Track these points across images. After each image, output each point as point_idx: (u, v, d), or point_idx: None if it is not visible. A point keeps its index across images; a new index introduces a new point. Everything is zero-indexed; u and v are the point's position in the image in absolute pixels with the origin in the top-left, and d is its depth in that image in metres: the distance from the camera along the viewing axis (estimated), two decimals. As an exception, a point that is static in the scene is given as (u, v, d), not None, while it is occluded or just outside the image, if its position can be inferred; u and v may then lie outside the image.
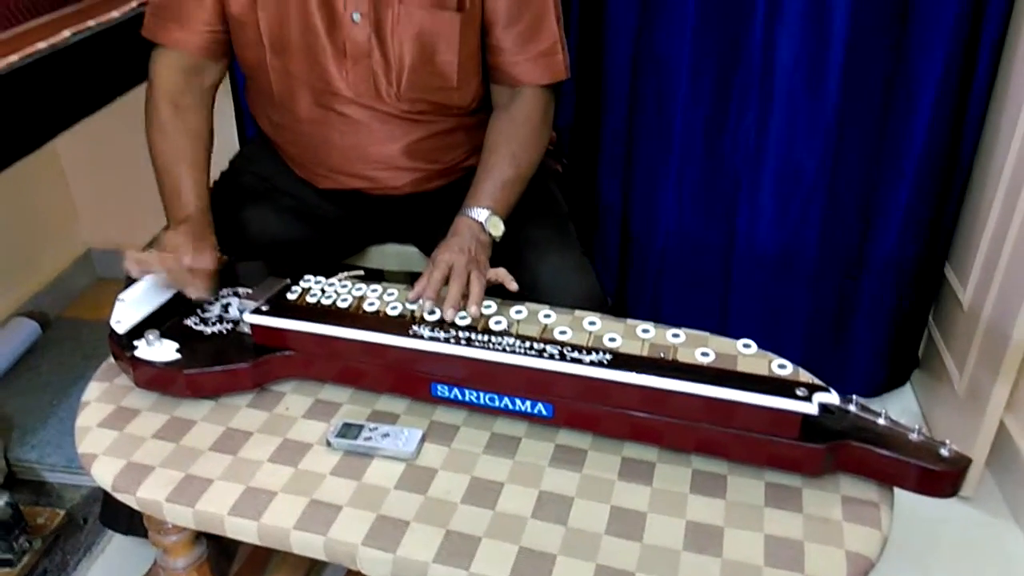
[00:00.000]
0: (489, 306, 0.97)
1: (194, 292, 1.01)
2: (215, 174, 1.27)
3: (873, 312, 1.66)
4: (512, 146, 1.15)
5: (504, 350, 0.87)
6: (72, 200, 2.12)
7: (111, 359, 1.02)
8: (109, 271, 2.18)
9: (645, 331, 0.94)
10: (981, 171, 1.53)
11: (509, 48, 1.15)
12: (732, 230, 1.64)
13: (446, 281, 0.98)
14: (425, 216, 1.27)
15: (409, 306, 0.98)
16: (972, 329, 1.47)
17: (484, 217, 1.08)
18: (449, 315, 0.93)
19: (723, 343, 0.98)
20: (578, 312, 1.05)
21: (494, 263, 1.05)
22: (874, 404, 0.82)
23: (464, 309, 0.95)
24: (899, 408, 1.74)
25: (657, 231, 1.69)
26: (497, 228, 1.09)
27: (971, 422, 1.44)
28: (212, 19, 1.13)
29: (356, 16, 1.10)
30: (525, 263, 1.13)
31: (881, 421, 0.79)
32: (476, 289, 0.97)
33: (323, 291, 1.01)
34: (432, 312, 0.95)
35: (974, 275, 1.49)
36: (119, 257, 2.11)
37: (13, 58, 1.11)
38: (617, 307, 1.80)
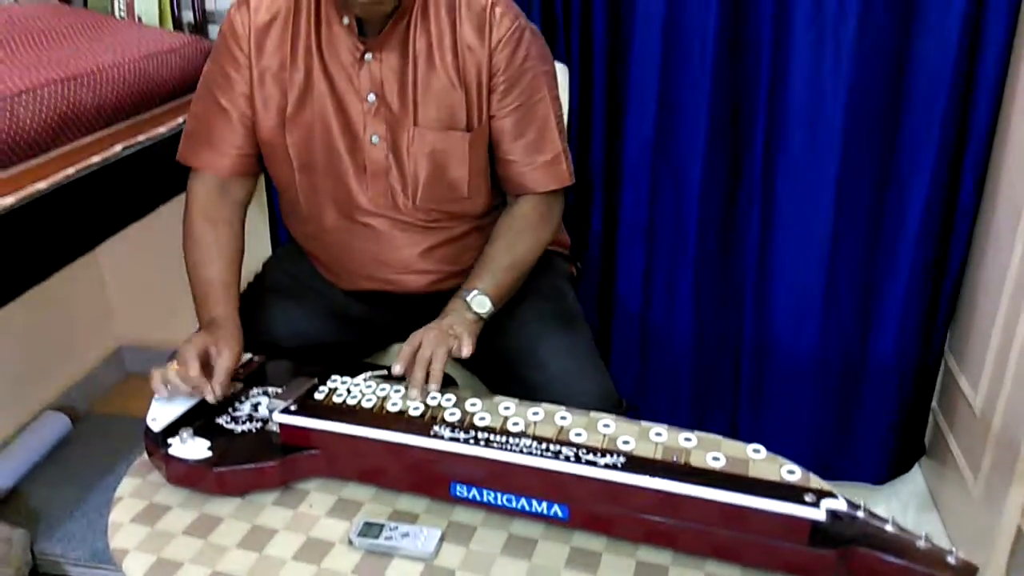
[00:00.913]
0: (508, 408, 1.01)
1: (210, 397, 1.06)
2: (250, 275, 1.34)
3: (877, 404, 1.72)
4: (509, 237, 1.23)
5: (521, 451, 0.90)
6: (107, 297, 2.20)
7: (144, 455, 1.05)
8: (139, 367, 2.24)
9: (658, 434, 0.97)
10: (973, 273, 1.61)
11: (517, 160, 1.23)
12: (741, 328, 1.73)
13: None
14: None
15: (431, 404, 1.01)
16: (985, 433, 1.48)
17: (471, 296, 1.15)
18: (412, 395, 1.01)
19: (734, 447, 1.00)
20: (593, 414, 1.07)
21: (511, 369, 1.09)
22: (883, 491, 0.84)
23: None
24: (909, 492, 1.76)
25: (673, 331, 1.76)
26: (483, 306, 1.15)
27: (987, 524, 1.44)
28: (242, 142, 1.22)
29: (375, 138, 1.19)
30: (540, 364, 1.17)
31: (889, 528, 0.81)
32: (435, 366, 1.04)
33: (348, 391, 1.06)
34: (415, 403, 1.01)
35: (984, 382, 1.52)
36: (150, 354, 2.19)
37: (70, 171, 1.20)
38: (637, 400, 1.85)
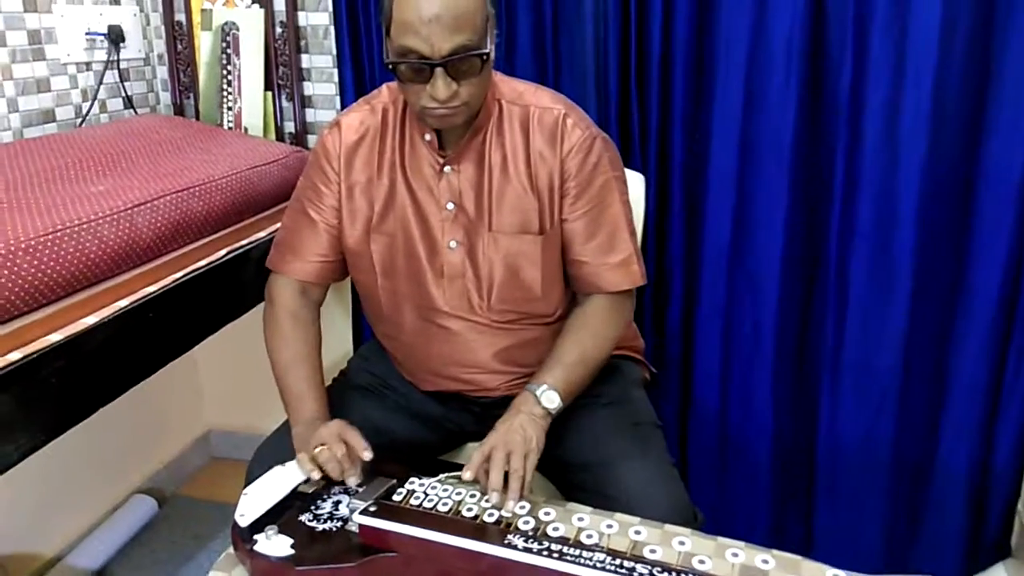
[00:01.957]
0: (582, 519, 1.01)
1: (354, 479, 1.11)
2: (334, 370, 1.41)
3: (952, 503, 1.68)
4: (579, 333, 1.25)
5: (595, 567, 0.90)
6: (199, 382, 2.30)
7: (231, 549, 1.09)
8: (224, 451, 2.32)
9: (735, 554, 0.96)
10: None
11: (589, 261, 1.26)
12: (815, 429, 1.72)
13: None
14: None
15: (506, 513, 1.03)
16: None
17: (541, 390, 1.16)
18: (494, 502, 1.02)
19: (813, 569, 0.98)
20: (668, 527, 1.06)
21: (583, 478, 1.10)
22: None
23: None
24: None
25: (750, 432, 1.75)
26: (552, 401, 1.16)
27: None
28: (326, 251, 1.30)
29: (453, 243, 1.25)
30: (612, 473, 1.18)
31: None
32: (514, 483, 1.04)
33: (425, 493, 1.09)
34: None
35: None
36: (236, 438, 2.27)
37: (178, 274, 1.29)
38: (715, 498, 1.82)
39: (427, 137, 1.23)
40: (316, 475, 1.11)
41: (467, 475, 1.08)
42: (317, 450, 1.12)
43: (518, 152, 1.23)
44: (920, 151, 1.51)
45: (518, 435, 1.11)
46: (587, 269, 1.26)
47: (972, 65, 1.47)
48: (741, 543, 0.98)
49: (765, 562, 0.93)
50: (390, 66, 1.10)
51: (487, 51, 1.09)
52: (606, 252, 1.25)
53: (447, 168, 1.23)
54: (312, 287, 1.33)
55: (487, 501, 1.04)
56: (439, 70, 1.07)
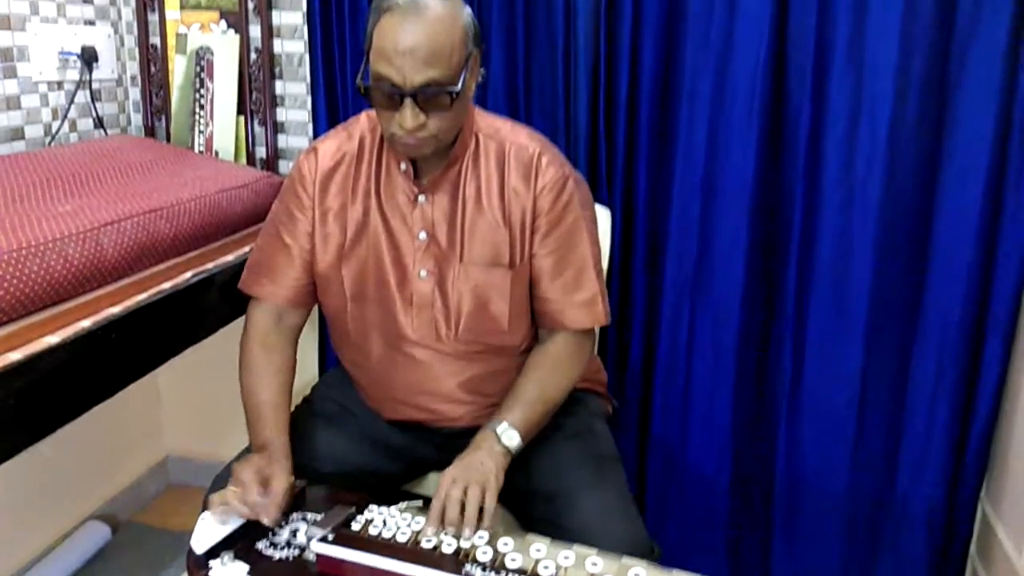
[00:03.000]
0: (539, 550, 1.02)
1: (266, 519, 1.09)
2: (298, 396, 1.40)
3: (908, 545, 1.71)
4: (540, 372, 1.26)
5: (550, 596, 0.91)
6: (158, 407, 2.27)
7: (185, 574, 1.08)
8: (182, 478, 2.28)
9: (688, 586, 0.97)
10: (1007, 420, 1.60)
11: (554, 298, 1.28)
12: (773, 465, 1.75)
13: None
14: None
15: (464, 543, 1.03)
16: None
17: (502, 428, 1.17)
18: (451, 532, 1.04)
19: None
20: (625, 560, 1.07)
21: (543, 509, 1.11)
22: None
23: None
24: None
25: (708, 466, 1.78)
26: (512, 440, 1.17)
27: None
28: (300, 275, 1.31)
29: (423, 273, 1.27)
30: (572, 504, 1.19)
31: None
32: (469, 510, 1.05)
33: (384, 522, 1.09)
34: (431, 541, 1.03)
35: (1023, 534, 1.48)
36: (194, 465, 2.24)
37: (142, 296, 1.29)
38: (673, 530, 1.84)
39: (403, 166, 1.25)
40: (218, 517, 1.09)
41: (432, 515, 1.07)
42: (228, 494, 1.10)
43: (492, 186, 1.25)
44: (876, 191, 1.56)
45: (476, 470, 1.12)
46: (552, 306, 1.28)
47: (927, 107, 1.52)
48: (695, 575, 1.00)
49: (718, 595, 0.94)
50: (363, 88, 1.12)
51: (457, 89, 1.11)
52: (572, 290, 1.27)
53: (421, 197, 1.25)
54: (288, 312, 1.33)
55: (446, 533, 1.05)
56: (408, 100, 1.09)
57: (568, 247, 1.27)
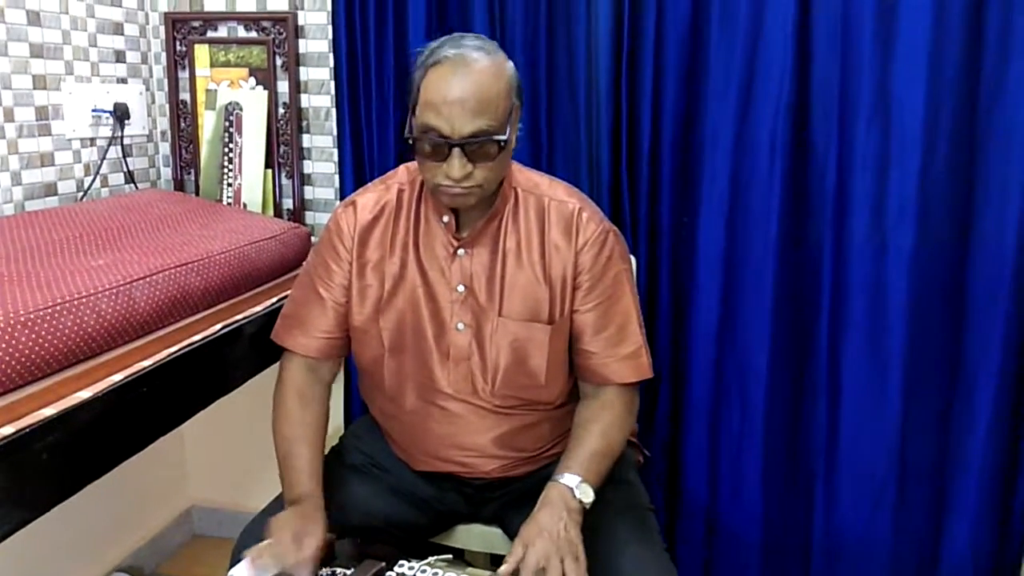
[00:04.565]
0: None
1: (304, 574, 1.08)
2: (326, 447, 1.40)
3: None
4: (602, 424, 1.25)
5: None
6: (183, 457, 2.27)
7: (215, 633, 1.07)
8: (207, 529, 2.27)
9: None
10: None
11: (598, 352, 1.28)
12: (810, 522, 1.69)
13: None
14: (510, 500, 1.34)
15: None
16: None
17: (575, 483, 1.15)
18: None
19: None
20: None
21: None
22: None
23: None
24: None
25: (740, 521, 1.73)
26: (588, 495, 1.15)
27: None
28: (332, 328, 1.31)
29: (460, 326, 1.27)
30: (607, 557, 1.17)
31: None
32: None
33: (415, 577, 1.08)
34: None
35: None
36: (219, 515, 2.23)
37: (173, 349, 1.30)
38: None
39: (445, 219, 1.26)
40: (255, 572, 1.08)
41: (505, 569, 1.05)
42: (263, 546, 1.10)
43: (532, 241, 1.26)
44: (909, 240, 1.54)
45: (562, 538, 1.08)
46: (596, 360, 1.28)
47: (957, 153, 1.51)
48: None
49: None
50: (410, 140, 1.15)
51: (505, 138, 1.13)
52: (615, 344, 1.27)
53: (460, 251, 1.26)
54: (320, 364, 1.33)
55: None
56: (456, 150, 1.11)
57: (611, 302, 1.27)
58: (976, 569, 1.62)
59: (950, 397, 1.59)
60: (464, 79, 1.10)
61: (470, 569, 1.11)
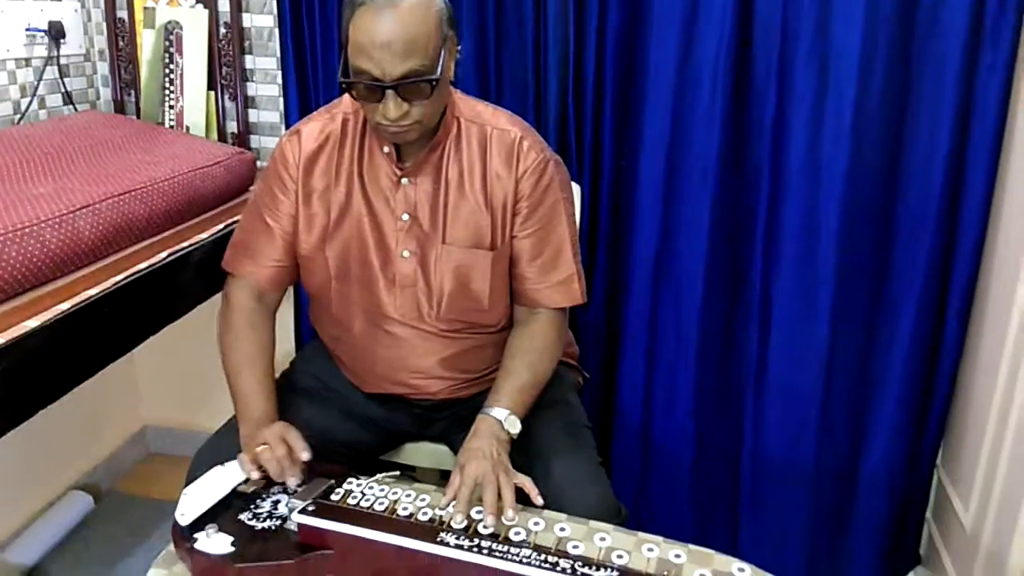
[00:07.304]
0: (512, 518, 1.08)
1: (293, 479, 1.15)
2: (276, 371, 1.44)
3: (870, 514, 1.77)
4: (531, 355, 1.31)
5: (521, 561, 0.97)
6: (135, 378, 2.30)
7: (171, 546, 1.13)
8: (162, 447, 2.32)
9: (650, 549, 1.03)
10: (963, 391, 1.68)
11: (532, 278, 1.33)
12: (739, 441, 1.80)
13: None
14: (457, 419, 1.41)
15: (440, 512, 1.09)
16: (975, 549, 1.53)
17: (504, 416, 1.22)
18: (490, 522, 1.05)
19: (723, 562, 1.06)
20: (592, 524, 1.13)
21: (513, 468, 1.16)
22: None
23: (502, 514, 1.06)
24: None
25: (673, 440, 1.84)
26: (515, 426, 1.22)
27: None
28: (281, 256, 1.34)
29: (406, 253, 1.30)
30: (543, 469, 1.24)
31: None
32: (507, 495, 1.09)
33: (363, 493, 1.13)
34: (462, 522, 1.06)
35: (973, 499, 1.56)
36: (173, 435, 2.27)
37: (119, 277, 1.31)
38: (639, 506, 1.90)
39: (386, 150, 1.27)
40: (256, 475, 1.15)
41: (445, 501, 1.11)
42: (259, 450, 1.16)
43: (475, 169, 1.28)
44: (841, 171, 1.60)
45: (496, 460, 1.14)
46: (529, 285, 1.33)
47: (891, 86, 1.56)
48: (659, 538, 1.06)
49: (678, 556, 1.01)
50: (344, 85, 1.15)
51: (436, 76, 1.13)
52: (549, 270, 1.32)
53: (404, 180, 1.28)
54: (267, 291, 1.36)
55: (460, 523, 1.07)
56: (390, 92, 1.12)
57: (547, 229, 1.31)
58: (891, 486, 1.75)
59: (874, 322, 1.69)
60: (391, 19, 1.08)
61: (416, 484, 1.17)
